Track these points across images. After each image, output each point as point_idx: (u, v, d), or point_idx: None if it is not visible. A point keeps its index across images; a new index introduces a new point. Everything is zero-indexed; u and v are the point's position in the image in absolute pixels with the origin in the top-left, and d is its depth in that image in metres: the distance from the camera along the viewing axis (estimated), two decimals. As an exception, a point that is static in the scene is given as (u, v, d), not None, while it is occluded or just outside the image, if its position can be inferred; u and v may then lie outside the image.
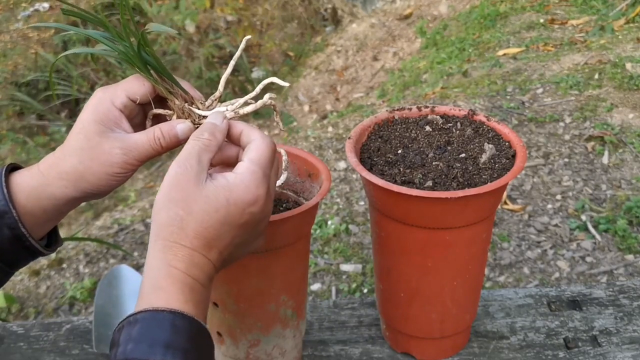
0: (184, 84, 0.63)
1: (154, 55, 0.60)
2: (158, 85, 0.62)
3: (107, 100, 0.61)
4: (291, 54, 5.24)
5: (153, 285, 0.51)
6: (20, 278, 2.30)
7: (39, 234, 0.63)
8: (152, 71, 0.61)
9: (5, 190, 0.59)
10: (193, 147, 0.56)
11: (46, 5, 5.10)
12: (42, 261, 2.36)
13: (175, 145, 0.62)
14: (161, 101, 0.64)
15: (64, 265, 2.32)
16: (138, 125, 0.65)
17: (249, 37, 0.68)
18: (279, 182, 0.65)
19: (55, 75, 4.41)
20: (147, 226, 2.48)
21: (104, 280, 1.01)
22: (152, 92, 0.63)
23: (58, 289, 2.22)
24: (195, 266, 0.53)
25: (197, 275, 0.53)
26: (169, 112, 0.64)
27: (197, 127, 0.62)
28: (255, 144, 0.57)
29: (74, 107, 4.29)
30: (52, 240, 0.67)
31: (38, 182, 0.60)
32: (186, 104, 0.62)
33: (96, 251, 2.36)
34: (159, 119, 0.65)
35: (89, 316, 0.99)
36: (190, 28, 4.91)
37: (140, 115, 0.65)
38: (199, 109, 0.63)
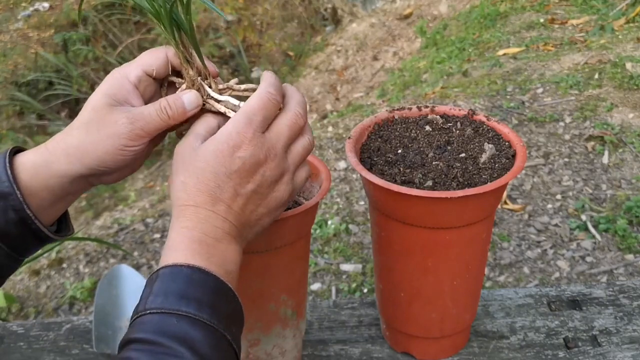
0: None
1: (186, 16, 0.58)
2: (177, 50, 0.60)
3: (121, 75, 0.61)
4: (291, 53, 5.24)
5: (169, 247, 0.54)
6: (21, 278, 2.30)
7: (47, 218, 0.61)
8: (175, 32, 0.59)
9: (9, 172, 0.57)
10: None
11: (46, 4, 5.09)
12: (42, 261, 2.36)
13: (183, 116, 0.61)
14: (178, 77, 0.64)
15: (64, 265, 2.32)
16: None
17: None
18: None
19: (55, 75, 4.41)
20: (147, 226, 2.48)
21: (104, 280, 1.01)
22: (167, 65, 0.63)
23: (58, 288, 2.22)
24: (203, 221, 0.54)
25: (206, 230, 0.54)
26: (182, 81, 0.63)
27: (205, 104, 0.61)
28: (249, 98, 0.59)
29: (74, 107, 4.29)
30: (62, 227, 0.65)
31: (43, 159, 0.59)
32: (199, 78, 0.61)
33: (96, 251, 2.36)
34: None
35: (89, 316, 0.98)
36: (190, 28, 4.90)
37: (156, 96, 0.64)
38: (210, 87, 0.62)
